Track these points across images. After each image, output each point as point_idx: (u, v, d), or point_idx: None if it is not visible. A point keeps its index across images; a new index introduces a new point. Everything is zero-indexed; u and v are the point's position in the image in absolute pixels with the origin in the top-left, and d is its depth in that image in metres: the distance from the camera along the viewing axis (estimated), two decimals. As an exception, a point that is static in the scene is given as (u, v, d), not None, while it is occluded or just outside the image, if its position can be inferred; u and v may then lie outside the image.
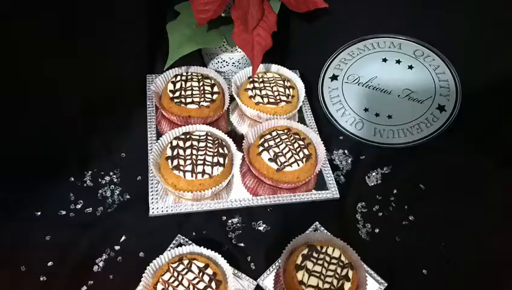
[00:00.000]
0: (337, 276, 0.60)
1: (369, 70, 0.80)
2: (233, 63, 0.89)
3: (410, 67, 0.78)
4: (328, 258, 0.62)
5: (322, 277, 0.60)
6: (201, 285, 0.57)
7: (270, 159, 0.71)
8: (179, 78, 0.80)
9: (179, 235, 0.66)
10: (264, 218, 0.71)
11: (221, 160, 0.70)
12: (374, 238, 0.70)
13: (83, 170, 0.72)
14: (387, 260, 0.67)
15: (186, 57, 0.77)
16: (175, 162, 0.68)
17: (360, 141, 0.85)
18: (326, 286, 0.59)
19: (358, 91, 0.82)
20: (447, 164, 0.81)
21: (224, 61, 0.88)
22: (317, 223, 0.70)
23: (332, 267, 0.61)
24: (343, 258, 0.62)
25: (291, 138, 0.74)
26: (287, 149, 0.72)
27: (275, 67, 0.87)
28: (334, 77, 0.82)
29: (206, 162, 0.68)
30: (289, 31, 0.92)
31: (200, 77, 0.81)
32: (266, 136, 0.74)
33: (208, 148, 0.70)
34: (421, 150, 0.83)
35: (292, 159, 0.71)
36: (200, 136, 0.72)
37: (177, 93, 0.77)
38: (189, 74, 0.81)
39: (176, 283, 0.57)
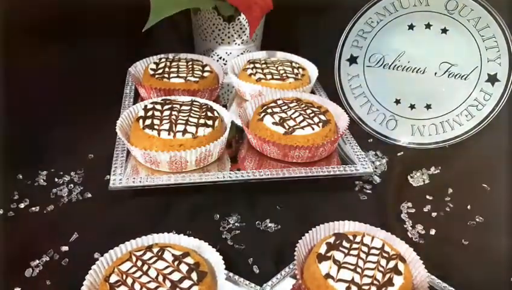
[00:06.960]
0: (381, 269, 0.46)
1: (395, 45, 0.74)
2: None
3: (444, 30, 0.72)
4: (365, 249, 0.48)
5: (359, 270, 0.46)
6: (175, 276, 0.44)
7: (274, 123, 0.62)
8: (163, 59, 0.76)
9: (152, 234, 0.54)
10: (272, 217, 0.59)
11: (209, 122, 0.60)
12: (430, 241, 0.60)
13: (37, 169, 0.67)
14: (455, 265, 0.56)
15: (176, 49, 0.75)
16: (148, 122, 0.59)
17: (394, 144, 0.76)
18: (367, 280, 0.45)
19: (385, 76, 0.76)
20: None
21: (221, 58, 0.86)
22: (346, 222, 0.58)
23: (373, 258, 0.47)
24: (387, 249, 0.49)
25: (303, 105, 0.66)
26: (297, 114, 0.63)
27: (280, 54, 0.84)
28: (352, 59, 0.77)
29: (190, 123, 0.59)
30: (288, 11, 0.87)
31: (189, 59, 0.77)
32: (270, 104, 0.66)
33: (193, 111, 0.62)
34: (476, 140, 0.74)
35: (304, 123, 0.61)
36: (183, 101, 0.65)
37: (160, 71, 0.72)
38: (177, 57, 0.78)
39: (139, 273, 0.44)
